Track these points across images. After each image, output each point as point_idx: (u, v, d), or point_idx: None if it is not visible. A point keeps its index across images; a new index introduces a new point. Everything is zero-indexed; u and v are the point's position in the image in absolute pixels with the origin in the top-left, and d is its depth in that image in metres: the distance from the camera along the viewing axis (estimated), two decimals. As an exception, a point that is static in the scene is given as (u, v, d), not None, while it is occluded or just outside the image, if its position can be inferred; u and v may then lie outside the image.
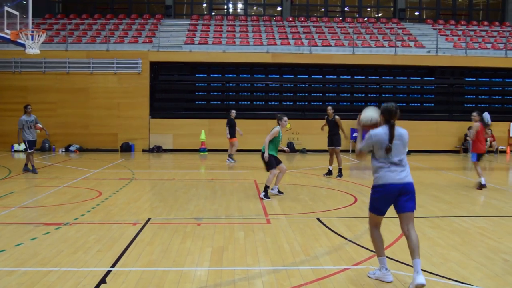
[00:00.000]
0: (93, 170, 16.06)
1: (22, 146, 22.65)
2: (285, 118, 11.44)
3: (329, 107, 15.00)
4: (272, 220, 8.73)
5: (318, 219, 8.84)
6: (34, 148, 15.46)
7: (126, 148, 23.11)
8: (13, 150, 22.75)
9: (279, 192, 11.42)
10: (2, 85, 23.06)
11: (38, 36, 12.47)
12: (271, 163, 11.02)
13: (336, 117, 14.79)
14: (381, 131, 5.62)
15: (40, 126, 15.43)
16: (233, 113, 19.09)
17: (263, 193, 10.93)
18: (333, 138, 14.86)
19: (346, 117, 18.44)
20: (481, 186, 12.77)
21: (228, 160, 18.96)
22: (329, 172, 15.01)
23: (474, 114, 13.00)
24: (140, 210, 9.63)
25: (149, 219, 8.76)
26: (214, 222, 8.61)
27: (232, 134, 19.03)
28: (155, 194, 11.76)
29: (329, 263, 6.31)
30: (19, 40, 12.21)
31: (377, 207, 5.67)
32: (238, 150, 22.67)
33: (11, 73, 23.27)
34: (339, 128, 14.82)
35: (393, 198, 5.56)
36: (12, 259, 6.43)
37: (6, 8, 12.31)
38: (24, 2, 13.25)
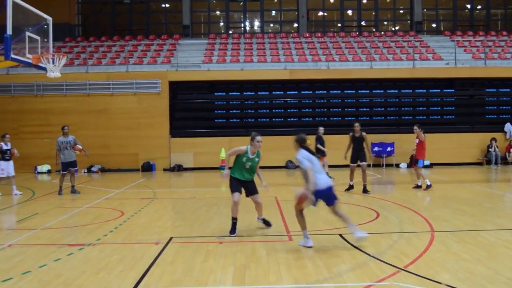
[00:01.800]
0: (115, 190, 16.16)
1: (46, 168, 23.04)
2: (258, 138, 9.19)
3: (356, 124, 14.67)
4: (294, 237, 8.68)
5: (340, 235, 8.76)
6: (72, 169, 15.44)
7: (147, 168, 23.25)
8: (36, 171, 23.03)
9: (266, 223, 9.70)
10: (25, 108, 23.44)
11: (59, 59, 12.67)
12: (231, 186, 9.26)
13: (363, 133, 14.60)
14: (305, 152, 7.96)
15: (80, 147, 15.49)
16: (321, 130, 18.28)
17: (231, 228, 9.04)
18: (360, 154, 14.61)
19: (365, 132, 18.32)
20: (417, 187, 15.25)
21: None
22: (351, 187, 14.89)
23: (415, 127, 15.14)
24: (162, 229, 9.66)
25: (171, 238, 8.76)
26: (236, 240, 8.58)
27: (322, 151, 18.12)
28: (176, 213, 11.78)
29: (352, 280, 6.23)
30: (40, 64, 12.40)
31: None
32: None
33: (34, 96, 23.67)
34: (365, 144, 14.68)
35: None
36: (36, 280, 6.48)
37: (28, 33, 12.53)
38: (45, 27, 13.48)
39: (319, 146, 17.90)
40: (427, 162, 23.09)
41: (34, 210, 12.27)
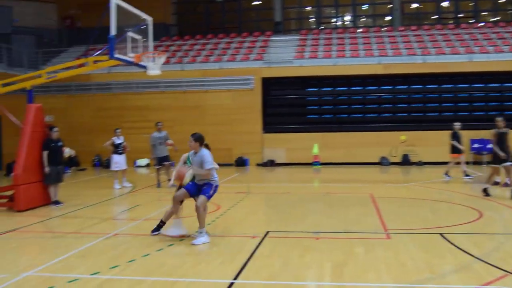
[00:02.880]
0: (210, 184, 16.48)
1: (145, 161, 24.01)
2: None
3: (501, 118, 13.32)
4: (392, 235, 8.47)
5: (441, 234, 8.43)
6: (166, 163, 15.92)
7: (241, 163, 23.60)
8: (136, 165, 24.04)
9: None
10: (125, 105, 24.54)
11: (159, 57, 13.10)
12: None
13: (507, 129, 13.28)
14: (207, 152, 8.33)
15: (170, 142, 16.02)
16: (457, 125, 16.94)
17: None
18: (507, 153, 12.99)
19: (464, 128, 17.53)
20: (507, 185, 13.75)
21: (465, 176, 16.79)
22: (487, 193, 12.89)
23: (501, 119, 13.49)
24: (258, 224, 9.77)
25: (267, 232, 8.83)
26: (333, 237, 8.51)
27: (458, 149, 16.70)
28: (271, 207, 11.87)
29: (457, 282, 5.98)
30: (141, 63, 12.89)
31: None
32: (350, 164, 22.41)
33: (133, 93, 24.73)
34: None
35: None
36: (141, 268, 6.76)
37: (130, 34, 13.04)
38: (144, 27, 13.97)
39: (454, 143, 16.66)
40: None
41: (136, 202, 12.82)
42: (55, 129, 12.41)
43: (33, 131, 12.10)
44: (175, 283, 6.11)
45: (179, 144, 16.69)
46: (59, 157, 12.46)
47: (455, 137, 16.77)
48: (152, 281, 6.22)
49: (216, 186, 8.39)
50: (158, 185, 15.80)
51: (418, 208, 11.35)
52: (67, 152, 13.07)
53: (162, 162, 15.88)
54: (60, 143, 12.49)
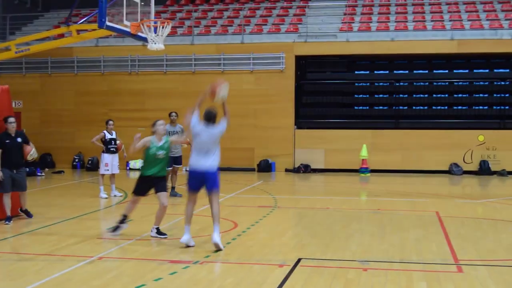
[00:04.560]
0: (226, 194, 16.55)
1: (140, 163, 24.12)
2: (159, 122, 10.67)
3: None
4: (464, 268, 8.42)
5: (529, 268, 8.39)
6: (176, 166, 16.00)
7: (265, 167, 23.61)
8: (128, 168, 24.19)
9: (160, 233, 10.62)
10: (117, 88, 24.60)
11: (163, 27, 13.11)
12: (136, 186, 10.71)
13: None
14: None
15: (187, 140, 16.07)
16: None
17: (115, 226, 10.82)
18: None
19: None
20: None
21: None
22: None
23: None
24: (287, 248, 9.78)
25: (299, 260, 8.83)
26: (385, 267, 8.48)
27: None
28: (304, 227, 11.88)
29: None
30: (140, 34, 12.94)
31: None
32: (409, 171, 22.29)
33: (127, 73, 24.89)
34: None
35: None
36: (134, 304, 6.84)
37: (126, -5, 13.10)
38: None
39: None
40: None
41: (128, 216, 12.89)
42: (11, 119, 11.94)
43: (-5, 122, 12.02)
44: (177, 323, 6.17)
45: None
46: (17, 157, 12.08)
47: None
48: (148, 319, 6.30)
49: None
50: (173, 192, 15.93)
51: (500, 232, 11.26)
52: (31, 154, 12.59)
53: (172, 164, 15.73)
54: (19, 139, 12.10)
